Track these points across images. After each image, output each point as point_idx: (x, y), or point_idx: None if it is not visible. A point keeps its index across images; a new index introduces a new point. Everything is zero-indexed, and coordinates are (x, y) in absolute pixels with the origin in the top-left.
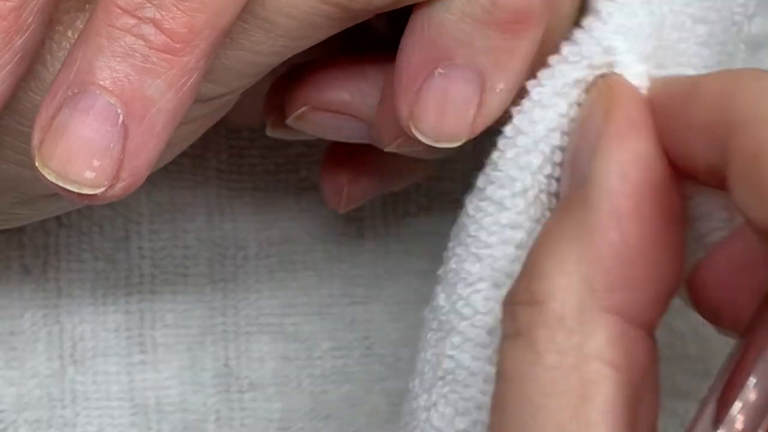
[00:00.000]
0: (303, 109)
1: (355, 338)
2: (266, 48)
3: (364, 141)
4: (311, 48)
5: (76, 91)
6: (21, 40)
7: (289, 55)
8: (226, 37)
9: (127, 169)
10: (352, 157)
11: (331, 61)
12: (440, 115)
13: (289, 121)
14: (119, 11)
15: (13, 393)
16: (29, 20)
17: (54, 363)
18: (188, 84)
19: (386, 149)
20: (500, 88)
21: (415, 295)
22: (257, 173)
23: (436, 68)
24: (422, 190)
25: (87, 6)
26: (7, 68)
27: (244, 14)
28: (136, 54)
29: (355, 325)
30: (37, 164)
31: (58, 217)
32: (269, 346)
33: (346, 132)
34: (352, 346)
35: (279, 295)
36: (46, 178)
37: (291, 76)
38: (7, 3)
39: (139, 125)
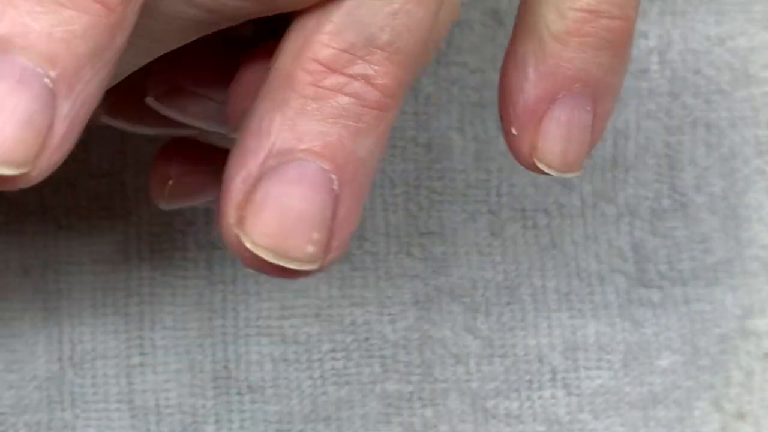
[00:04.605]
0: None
1: (355, 340)
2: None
3: (212, 128)
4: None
5: (281, 161)
6: (121, 39)
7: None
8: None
9: (338, 237)
10: (184, 151)
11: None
12: (566, 146)
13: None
14: (325, 69)
15: (12, 396)
16: (131, 17)
17: (53, 365)
18: (387, 137)
19: (232, 135)
20: (606, 109)
21: (415, 297)
22: None
23: (555, 99)
24: (423, 191)
25: None
26: (105, 70)
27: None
28: (349, 114)
29: (355, 326)
30: (247, 245)
31: (57, 220)
32: (268, 348)
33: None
34: (351, 347)
35: (278, 297)
36: (259, 258)
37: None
38: None
39: (350, 188)
